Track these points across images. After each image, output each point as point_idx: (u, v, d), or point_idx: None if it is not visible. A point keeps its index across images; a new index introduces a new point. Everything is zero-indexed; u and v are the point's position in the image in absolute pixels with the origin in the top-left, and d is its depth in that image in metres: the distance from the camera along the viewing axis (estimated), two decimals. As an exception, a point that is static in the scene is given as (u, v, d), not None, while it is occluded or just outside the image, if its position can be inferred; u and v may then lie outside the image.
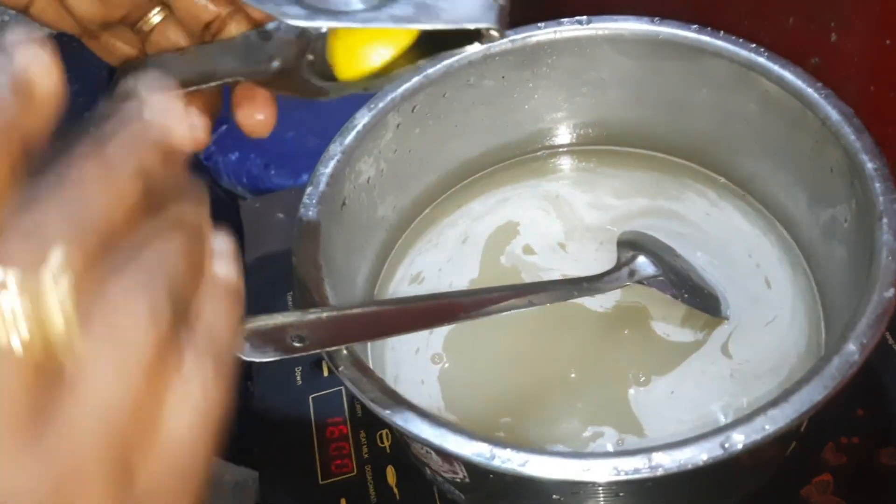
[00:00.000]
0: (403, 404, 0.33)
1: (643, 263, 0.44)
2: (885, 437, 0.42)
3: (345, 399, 0.47)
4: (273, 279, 0.55)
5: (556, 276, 0.47)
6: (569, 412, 0.41)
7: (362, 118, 0.44)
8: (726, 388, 0.41)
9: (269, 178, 0.84)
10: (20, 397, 0.13)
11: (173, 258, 0.17)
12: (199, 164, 0.91)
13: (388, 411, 0.33)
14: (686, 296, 0.43)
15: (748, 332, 0.43)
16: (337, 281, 0.40)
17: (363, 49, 0.30)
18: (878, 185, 0.36)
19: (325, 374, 0.49)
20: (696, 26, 0.44)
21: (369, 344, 0.44)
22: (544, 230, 0.50)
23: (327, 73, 0.31)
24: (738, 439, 0.30)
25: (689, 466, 0.30)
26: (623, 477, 0.30)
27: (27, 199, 0.15)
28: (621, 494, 0.35)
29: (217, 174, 0.89)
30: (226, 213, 0.87)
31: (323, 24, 0.28)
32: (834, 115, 0.39)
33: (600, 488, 0.35)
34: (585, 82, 0.48)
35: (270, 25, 0.32)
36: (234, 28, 0.31)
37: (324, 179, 0.42)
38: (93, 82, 0.76)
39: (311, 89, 0.31)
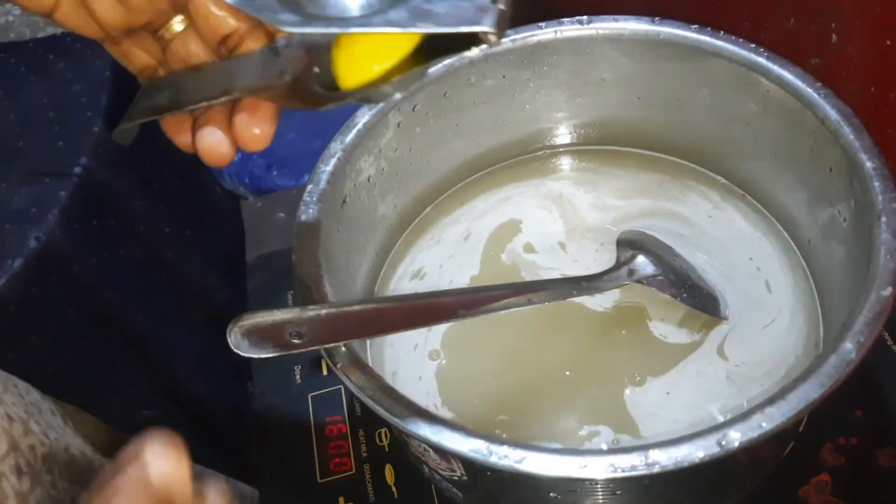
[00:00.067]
0: (401, 401, 0.33)
1: (642, 263, 0.44)
2: (883, 437, 0.42)
3: (344, 398, 0.47)
4: (274, 278, 0.55)
5: (555, 275, 0.47)
6: (565, 411, 0.41)
7: (363, 117, 0.44)
8: (722, 389, 0.41)
9: (271, 179, 0.85)
10: None
11: None
12: (202, 165, 0.91)
13: (385, 408, 0.33)
14: (685, 295, 0.43)
15: (745, 334, 0.43)
16: (336, 278, 0.41)
17: (364, 57, 0.30)
18: (876, 184, 0.36)
19: (325, 372, 0.49)
20: (696, 26, 0.44)
21: (368, 340, 0.44)
22: (546, 229, 0.50)
23: (332, 84, 0.31)
24: (735, 437, 0.30)
25: (686, 464, 0.30)
26: (620, 474, 0.30)
27: None
28: (619, 493, 0.35)
29: (220, 175, 0.89)
30: (227, 213, 0.88)
31: (317, 31, 0.28)
32: (833, 114, 0.39)
33: (598, 486, 0.35)
34: (586, 82, 0.48)
35: (280, 41, 0.32)
36: (252, 43, 0.32)
37: (324, 177, 0.42)
38: (95, 82, 0.76)
39: (317, 100, 0.31)
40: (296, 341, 0.33)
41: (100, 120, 0.74)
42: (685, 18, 0.45)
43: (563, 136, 0.52)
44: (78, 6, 0.30)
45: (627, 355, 0.43)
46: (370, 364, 0.43)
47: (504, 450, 0.31)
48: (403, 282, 0.49)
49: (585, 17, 0.45)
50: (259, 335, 0.33)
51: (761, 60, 0.42)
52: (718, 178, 0.50)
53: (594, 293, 0.44)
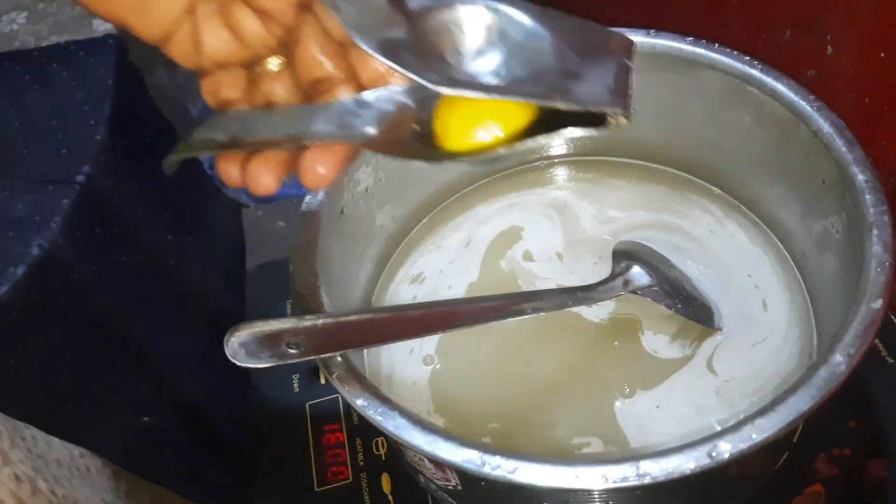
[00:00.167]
0: (396, 411, 0.33)
1: (638, 273, 0.44)
2: (876, 448, 0.43)
3: (341, 406, 0.48)
4: (273, 287, 0.56)
5: (551, 285, 0.48)
6: (556, 420, 0.42)
7: (361, 128, 0.44)
8: (712, 404, 0.41)
9: (272, 186, 0.85)
10: None
11: None
12: (204, 174, 0.92)
13: (380, 417, 0.33)
14: (679, 306, 0.43)
15: (735, 350, 0.43)
16: (334, 288, 0.41)
17: (477, 123, 0.30)
18: (868, 196, 0.36)
19: (322, 381, 0.49)
20: (690, 39, 0.44)
21: (364, 347, 0.45)
22: (546, 238, 0.50)
23: (432, 141, 0.31)
24: (725, 448, 0.31)
25: (677, 475, 0.30)
26: (611, 485, 0.31)
27: None
28: (610, 503, 0.36)
29: (221, 183, 0.90)
30: (229, 221, 0.88)
31: (465, 93, 0.28)
32: (825, 127, 0.39)
33: (589, 496, 0.35)
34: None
35: (369, 95, 0.31)
36: (341, 91, 0.31)
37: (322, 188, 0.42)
38: (97, 91, 0.77)
39: (413, 154, 0.31)
40: (292, 351, 0.34)
41: (102, 128, 0.74)
42: (683, 29, 0.45)
43: (559, 146, 0.53)
44: (188, 40, 0.31)
45: (618, 367, 0.43)
46: (367, 368, 0.44)
47: (497, 460, 0.31)
48: (403, 286, 0.50)
49: (581, 30, 0.46)
50: (256, 345, 0.33)
51: (755, 73, 0.42)
52: (715, 189, 0.50)
53: (589, 303, 0.44)
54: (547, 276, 0.48)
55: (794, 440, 0.41)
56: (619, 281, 0.44)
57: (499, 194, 0.53)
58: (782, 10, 0.50)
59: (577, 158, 0.53)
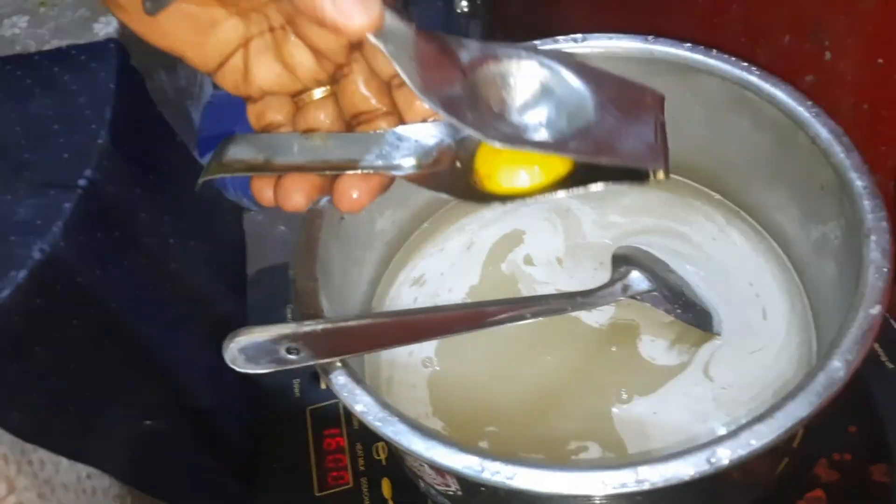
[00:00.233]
0: (395, 416, 0.33)
1: (637, 279, 0.44)
2: (877, 453, 0.43)
3: (342, 411, 0.48)
4: (274, 291, 0.56)
5: (550, 289, 0.48)
6: (553, 424, 0.42)
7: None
8: (709, 411, 0.41)
9: (273, 190, 0.85)
10: None
11: None
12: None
13: (378, 423, 0.33)
14: (679, 311, 0.44)
15: (732, 357, 0.43)
16: (334, 292, 0.41)
17: (522, 169, 0.31)
18: (866, 202, 0.36)
19: (323, 386, 0.49)
20: (688, 45, 0.44)
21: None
22: (547, 243, 0.51)
23: (471, 179, 0.31)
24: (724, 454, 0.31)
25: (675, 481, 0.31)
26: (610, 491, 0.31)
27: None
28: (610, 508, 0.36)
29: (223, 187, 0.90)
30: (231, 224, 0.88)
31: (521, 149, 0.29)
32: (824, 133, 0.39)
33: (591, 501, 0.35)
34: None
35: (409, 128, 0.32)
36: (383, 123, 0.32)
37: (322, 194, 0.42)
38: (100, 95, 0.77)
39: (450, 190, 0.32)
40: (292, 357, 0.34)
41: (105, 132, 0.74)
42: (683, 35, 0.45)
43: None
44: (239, 71, 0.31)
45: (616, 372, 0.43)
46: (366, 370, 0.44)
47: (496, 466, 0.32)
48: (404, 288, 0.50)
49: (580, 35, 0.46)
50: (255, 350, 0.34)
51: (753, 79, 0.42)
52: (715, 194, 0.50)
53: (589, 308, 0.44)
54: (547, 281, 0.49)
55: (795, 445, 0.41)
56: (618, 286, 0.44)
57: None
58: (781, 15, 0.50)
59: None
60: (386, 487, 0.44)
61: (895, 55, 0.43)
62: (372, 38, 0.27)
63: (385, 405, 0.34)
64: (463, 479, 0.36)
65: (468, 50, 0.30)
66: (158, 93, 0.86)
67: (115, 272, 0.74)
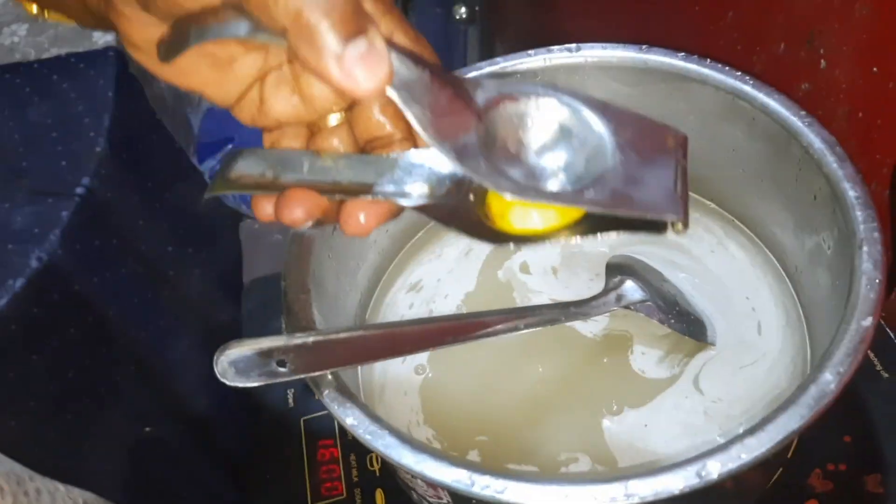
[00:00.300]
0: (386, 430, 0.33)
1: (631, 288, 0.44)
2: (872, 464, 0.43)
3: (336, 422, 0.48)
4: (269, 301, 0.56)
5: (544, 299, 0.48)
6: (544, 435, 0.42)
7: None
8: (700, 424, 0.41)
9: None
10: None
11: None
12: (205, 183, 0.92)
13: (369, 437, 0.33)
14: (672, 321, 0.43)
15: (727, 371, 0.43)
16: (326, 303, 0.41)
17: (532, 209, 0.30)
18: (858, 213, 0.36)
19: (317, 396, 0.49)
20: (682, 54, 0.44)
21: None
22: (543, 251, 0.51)
23: (483, 214, 0.31)
24: (714, 468, 0.31)
25: (665, 495, 0.30)
26: (600, 505, 0.31)
27: None
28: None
29: (223, 194, 0.90)
30: (229, 231, 0.89)
31: (534, 200, 0.28)
32: (817, 142, 0.39)
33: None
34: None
35: (423, 153, 0.31)
36: (398, 149, 0.31)
37: (315, 204, 0.42)
38: (98, 103, 0.77)
39: (462, 226, 0.31)
40: (282, 370, 0.34)
41: (102, 140, 0.74)
42: (679, 43, 0.45)
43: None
44: (255, 104, 0.31)
45: (607, 384, 0.43)
46: (360, 375, 0.44)
47: (486, 480, 0.31)
48: (400, 294, 0.50)
49: (574, 45, 0.46)
50: (246, 363, 0.33)
51: (747, 88, 0.42)
52: (710, 203, 0.50)
53: (582, 318, 0.44)
54: (542, 290, 0.48)
55: (789, 456, 0.41)
56: (611, 296, 0.43)
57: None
58: (776, 23, 0.50)
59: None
60: (379, 499, 0.44)
61: (890, 63, 0.43)
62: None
63: (375, 418, 0.34)
64: (455, 493, 0.36)
65: (484, 90, 0.29)
66: (157, 100, 0.86)
67: (113, 280, 0.74)
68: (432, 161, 0.30)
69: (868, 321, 0.33)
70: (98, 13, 0.29)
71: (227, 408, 0.76)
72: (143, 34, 0.29)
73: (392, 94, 0.26)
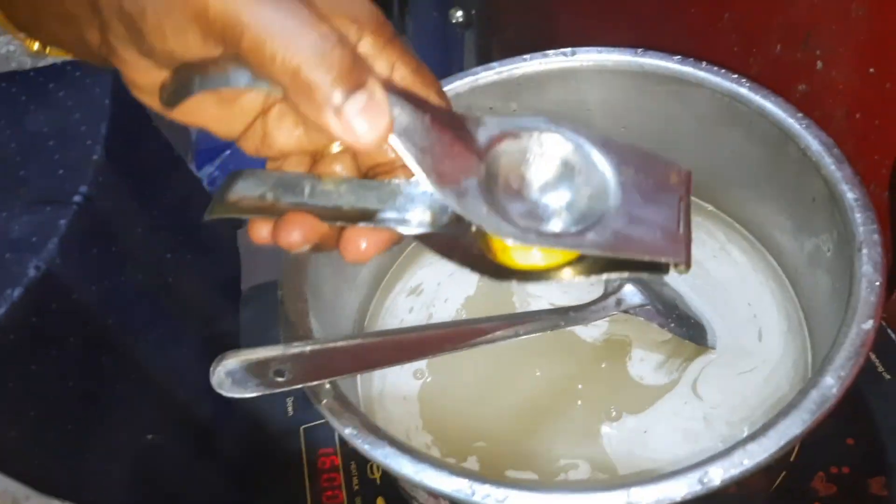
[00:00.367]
0: (384, 440, 0.33)
1: (630, 293, 0.44)
2: (875, 466, 0.42)
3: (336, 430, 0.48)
4: (267, 309, 0.55)
5: (543, 304, 0.47)
6: (543, 441, 0.41)
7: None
8: (700, 430, 0.41)
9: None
10: None
11: None
12: (203, 190, 0.92)
13: (367, 447, 0.33)
14: (672, 325, 0.43)
15: (726, 377, 0.43)
16: (324, 311, 0.41)
17: (537, 253, 0.30)
18: (857, 215, 0.36)
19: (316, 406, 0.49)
20: (678, 57, 0.44)
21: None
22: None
23: (484, 248, 0.30)
24: (717, 474, 0.30)
25: (668, 502, 0.30)
26: (601, 513, 0.30)
27: None
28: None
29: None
30: (228, 237, 0.88)
31: (536, 244, 0.28)
32: (815, 145, 0.39)
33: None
34: (572, 112, 0.49)
35: (420, 186, 0.30)
36: (401, 174, 0.31)
37: (312, 212, 0.42)
38: (95, 111, 0.77)
39: (464, 259, 0.30)
40: (280, 379, 0.33)
41: (100, 148, 0.74)
42: (676, 45, 0.45)
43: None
44: (260, 136, 0.31)
45: (605, 390, 0.43)
46: (359, 381, 0.44)
47: (486, 489, 0.31)
48: (400, 297, 0.50)
49: (570, 49, 0.46)
50: (243, 373, 0.33)
51: (743, 91, 0.42)
52: (708, 205, 0.50)
53: (582, 323, 0.44)
54: (541, 294, 0.48)
55: (792, 459, 0.41)
56: (611, 300, 0.43)
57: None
58: (773, 24, 0.50)
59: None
60: (380, 507, 0.44)
61: (887, 64, 0.43)
62: None
63: (374, 428, 0.34)
64: (455, 502, 0.36)
65: (486, 128, 0.29)
66: (154, 107, 0.85)
67: (112, 288, 0.74)
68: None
69: (869, 324, 0.33)
70: (100, 55, 0.29)
71: (227, 415, 0.76)
72: (145, 78, 0.29)
73: (393, 141, 0.26)
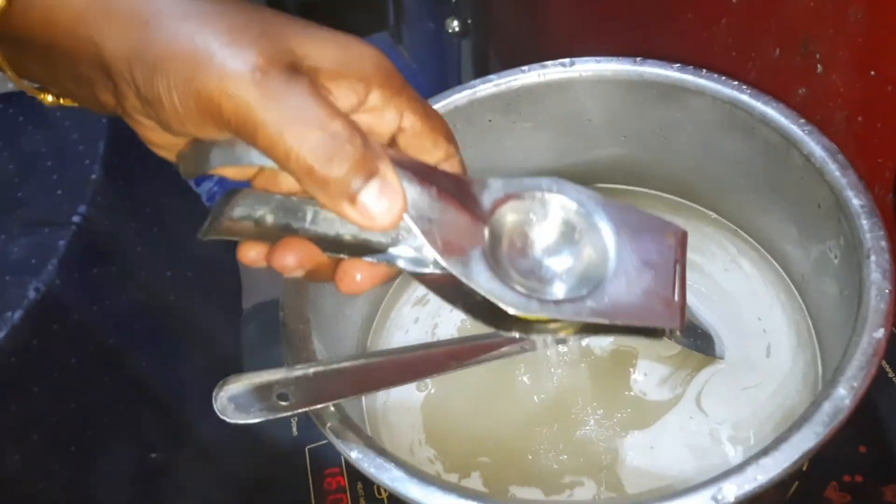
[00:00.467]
0: (391, 463, 0.33)
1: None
2: (889, 474, 0.42)
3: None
4: (269, 328, 0.55)
5: (549, 317, 0.47)
6: (547, 457, 0.41)
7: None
8: (707, 445, 0.40)
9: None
10: None
11: None
12: (203, 205, 0.92)
13: (374, 470, 0.32)
14: (679, 335, 0.43)
15: (732, 392, 0.42)
16: (327, 331, 0.40)
17: None
18: (864, 222, 0.35)
19: (320, 429, 0.48)
20: (678, 65, 0.43)
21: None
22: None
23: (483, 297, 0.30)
24: (730, 491, 0.30)
25: (680, 520, 0.30)
26: (613, 532, 0.30)
27: None
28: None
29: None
30: (229, 254, 0.88)
31: (537, 314, 0.29)
32: (818, 151, 0.38)
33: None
34: (572, 122, 0.48)
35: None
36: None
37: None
38: (92, 130, 0.77)
39: (465, 304, 0.31)
40: (283, 403, 0.33)
41: (98, 167, 0.74)
42: (674, 50, 0.45)
43: (553, 175, 0.52)
44: (272, 177, 0.31)
45: (611, 405, 0.42)
46: (363, 395, 0.43)
47: (496, 511, 0.31)
48: (406, 307, 0.50)
49: (568, 60, 0.45)
50: (246, 398, 0.33)
51: (744, 98, 0.41)
52: (710, 213, 0.49)
53: (592, 336, 0.43)
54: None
55: (804, 469, 0.40)
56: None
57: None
58: (771, 29, 0.49)
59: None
60: (388, 527, 0.44)
61: (887, 67, 0.42)
62: None
63: (380, 451, 0.33)
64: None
65: (490, 191, 0.30)
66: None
67: (112, 307, 0.73)
68: None
69: (880, 333, 0.32)
70: (116, 112, 0.29)
71: (231, 434, 0.75)
72: (161, 140, 0.29)
73: (405, 219, 0.27)
